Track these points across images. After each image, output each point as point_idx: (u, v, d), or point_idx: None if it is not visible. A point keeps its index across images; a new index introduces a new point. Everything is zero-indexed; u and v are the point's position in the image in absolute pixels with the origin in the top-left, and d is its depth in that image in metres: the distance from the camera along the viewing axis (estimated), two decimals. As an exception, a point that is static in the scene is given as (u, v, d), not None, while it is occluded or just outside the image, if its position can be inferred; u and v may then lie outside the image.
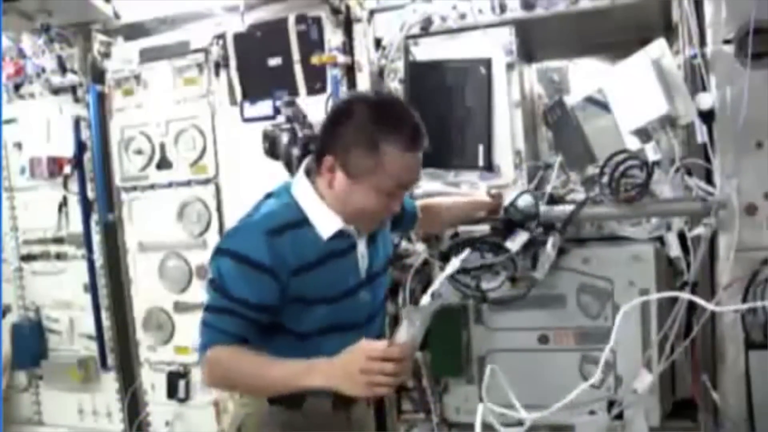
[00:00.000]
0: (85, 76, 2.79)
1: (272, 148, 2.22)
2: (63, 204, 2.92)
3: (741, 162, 1.95)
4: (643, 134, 2.02)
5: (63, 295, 2.97)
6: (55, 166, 2.86)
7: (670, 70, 2.02)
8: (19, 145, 2.99)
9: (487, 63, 2.24)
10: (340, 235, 1.53)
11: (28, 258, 3.02)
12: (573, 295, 2.14)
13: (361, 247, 1.58)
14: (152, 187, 2.78)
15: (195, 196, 2.71)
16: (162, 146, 2.74)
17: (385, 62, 2.39)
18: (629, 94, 2.05)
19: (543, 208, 2.07)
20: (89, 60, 2.78)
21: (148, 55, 2.71)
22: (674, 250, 2.03)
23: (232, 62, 2.54)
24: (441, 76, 2.29)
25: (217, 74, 2.60)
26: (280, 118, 2.37)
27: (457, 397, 2.30)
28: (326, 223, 1.50)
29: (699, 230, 1.96)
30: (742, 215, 1.95)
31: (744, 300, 1.95)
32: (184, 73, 2.68)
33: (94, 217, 2.86)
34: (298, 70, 2.44)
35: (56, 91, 2.86)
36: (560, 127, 2.25)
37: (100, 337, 2.86)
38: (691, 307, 2.00)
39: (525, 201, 2.06)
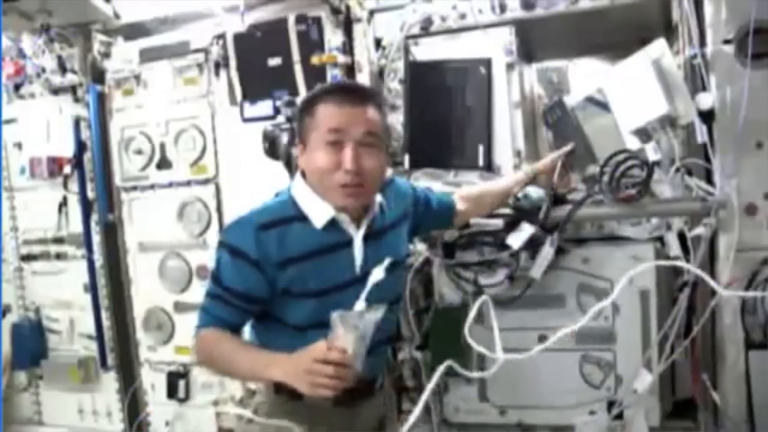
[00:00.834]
0: (85, 76, 2.79)
1: (272, 148, 2.23)
2: (63, 204, 2.91)
3: (741, 162, 1.94)
4: (643, 134, 2.02)
5: (63, 295, 2.96)
6: (55, 166, 2.86)
7: (670, 70, 2.02)
8: (19, 145, 2.98)
9: (487, 63, 2.24)
10: (336, 229, 1.58)
11: (28, 258, 3.02)
12: (573, 295, 2.14)
13: (358, 242, 1.60)
14: (152, 187, 2.78)
15: (195, 196, 2.71)
16: (162, 146, 2.74)
17: (385, 62, 2.39)
18: (629, 94, 2.05)
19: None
20: (89, 60, 2.78)
21: (148, 55, 2.71)
22: (674, 250, 2.02)
23: (232, 62, 2.53)
24: (441, 76, 2.29)
25: (217, 74, 2.59)
26: (280, 118, 2.38)
27: (457, 397, 2.30)
28: (319, 212, 1.57)
29: (699, 230, 1.96)
30: (742, 215, 1.95)
31: (743, 301, 1.95)
32: (184, 73, 2.67)
33: (94, 217, 2.86)
34: (298, 70, 2.43)
35: (56, 91, 2.86)
36: (560, 127, 2.24)
37: (100, 337, 2.86)
38: (691, 307, 2.01)
39: (537, 192, 2.06)
